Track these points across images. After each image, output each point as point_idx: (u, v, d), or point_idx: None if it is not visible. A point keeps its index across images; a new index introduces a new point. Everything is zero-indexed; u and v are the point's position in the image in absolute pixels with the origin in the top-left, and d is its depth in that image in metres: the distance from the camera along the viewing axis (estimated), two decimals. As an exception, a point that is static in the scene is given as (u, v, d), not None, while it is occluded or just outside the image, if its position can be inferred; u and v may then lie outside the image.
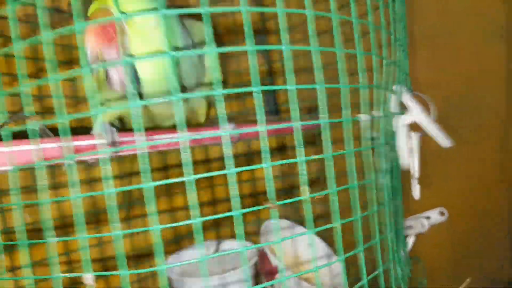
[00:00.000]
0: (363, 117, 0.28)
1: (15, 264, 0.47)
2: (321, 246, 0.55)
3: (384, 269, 0.33)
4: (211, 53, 0.25)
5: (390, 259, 0.34)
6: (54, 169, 0.49)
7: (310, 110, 0.47)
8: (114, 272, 0.24)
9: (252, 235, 0.62)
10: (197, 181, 0.24)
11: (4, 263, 0.43)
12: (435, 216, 0.44)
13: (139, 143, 0.24)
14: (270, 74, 0.72)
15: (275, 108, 0.72)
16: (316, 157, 0.29)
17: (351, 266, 0.35)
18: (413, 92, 0.38)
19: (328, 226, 0.29)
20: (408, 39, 0.42)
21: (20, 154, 0.26)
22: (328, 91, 0.27)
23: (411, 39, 0.44)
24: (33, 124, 0.26)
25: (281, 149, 0.73)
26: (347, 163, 0.30)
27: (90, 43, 0.29)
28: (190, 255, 0.56)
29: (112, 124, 0.33)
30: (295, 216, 0.60)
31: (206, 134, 0.29)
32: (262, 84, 0.25)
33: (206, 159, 0.67)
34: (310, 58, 0.28)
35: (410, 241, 0.44)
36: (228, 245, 0.58)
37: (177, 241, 0.61)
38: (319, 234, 0.56)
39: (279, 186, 0.69)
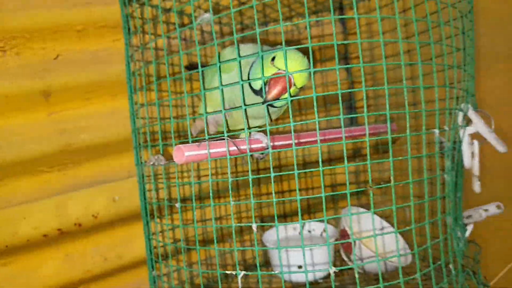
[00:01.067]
0: (436, 131, 0.40)
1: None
2: (380, 222, 0.68)
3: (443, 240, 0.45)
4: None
5: (448, 233, 0.45)
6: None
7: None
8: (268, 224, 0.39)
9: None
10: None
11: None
12: (492, 209, 0.53)
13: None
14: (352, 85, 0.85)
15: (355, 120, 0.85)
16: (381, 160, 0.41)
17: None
18: (477, 108, 0.48)
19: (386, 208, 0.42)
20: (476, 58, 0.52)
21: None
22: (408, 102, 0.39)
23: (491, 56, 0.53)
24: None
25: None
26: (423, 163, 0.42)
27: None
28: (281, 232, 0.71)
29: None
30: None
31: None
32: (345, 96, 0.38)
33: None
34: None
35: (469, 228, 0.54)
36: (315, 225, 0.72)
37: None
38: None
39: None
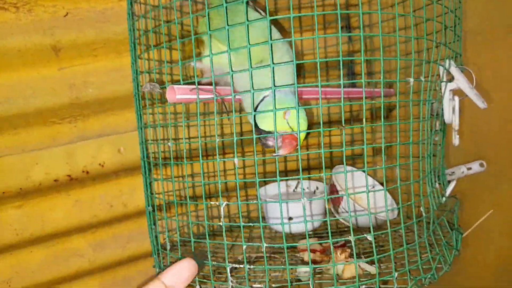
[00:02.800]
0: (411, 80, 0.43)
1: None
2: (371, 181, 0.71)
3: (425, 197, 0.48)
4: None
5: (429, 191, 0.49)
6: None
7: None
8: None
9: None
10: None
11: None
12: (476, 167, 0.56)
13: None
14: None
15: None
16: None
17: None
18: (461, 65, 0.50)
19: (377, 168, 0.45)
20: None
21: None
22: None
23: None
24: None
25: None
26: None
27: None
28: (274, 188, 0.75)
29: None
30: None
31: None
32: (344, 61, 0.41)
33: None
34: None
35: (452, 184, 0.57)
36: (307, 183, 0.76)
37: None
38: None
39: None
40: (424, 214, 0.45)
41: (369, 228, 0.63)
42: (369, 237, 0.42)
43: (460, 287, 1.20)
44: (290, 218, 0.65)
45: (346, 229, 0.70)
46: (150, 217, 0.56)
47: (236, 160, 0.42)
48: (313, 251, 0.60)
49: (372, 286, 0.44)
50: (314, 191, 0.75)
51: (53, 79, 0.66)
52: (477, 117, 0.68)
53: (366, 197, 0.42)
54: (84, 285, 0.72)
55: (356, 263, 0.43)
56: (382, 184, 0.71)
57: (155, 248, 0.55)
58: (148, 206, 0.55)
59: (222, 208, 0.43)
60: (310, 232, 0.68)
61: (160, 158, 0.51)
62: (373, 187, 0.71)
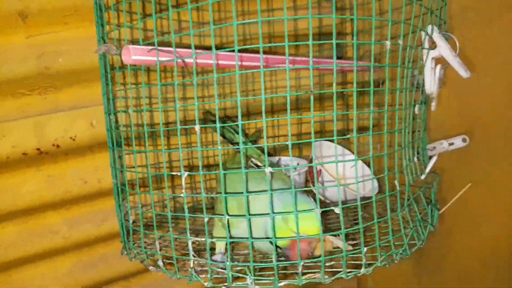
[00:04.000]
0: (387, 43, 0.40)
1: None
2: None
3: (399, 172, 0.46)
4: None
5: (406, 164, 0.47)
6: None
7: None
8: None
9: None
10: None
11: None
12: (458, 142, 0.54)
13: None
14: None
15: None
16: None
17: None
18: (445, 32, 0.47)
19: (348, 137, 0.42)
20: None
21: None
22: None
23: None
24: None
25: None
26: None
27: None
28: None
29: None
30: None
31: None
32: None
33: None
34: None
35: (433, 159, 0.55)
36: (287, 160, 0.74)
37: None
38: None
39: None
40: (398, 187, 0.43)
41: (346, 202, 0.62)
42: (337, 210, 0.40)
43: (447, 274, 1.21)
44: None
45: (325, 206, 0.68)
46: (118, 193, 0.53)
47: (197, 127, 0.39)
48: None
49: (340, 261, 0.42)
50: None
51: (21, 48, 0.62)
52: (462, 91, 0.66)
53: (340, 170, 0.40)
54: (59, 262, 0.70)
55: (322, 237, 0.41)
56: (363, 160, 0.69)
57: (124, 229, 0.53)
58: (115, 180, 0.53)
59: (201, 181, 0.40)
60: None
61: (133, 130, 0.48)
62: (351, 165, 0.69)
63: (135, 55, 0.41)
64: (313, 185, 0.65)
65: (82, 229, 0.70)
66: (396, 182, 0.44)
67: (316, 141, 0.62)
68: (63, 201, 0.68)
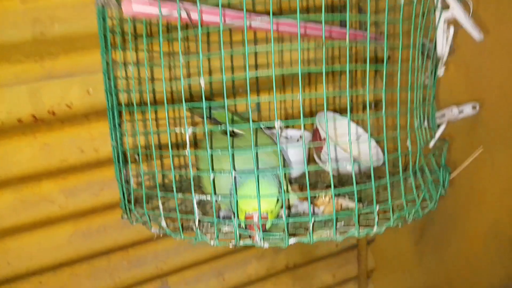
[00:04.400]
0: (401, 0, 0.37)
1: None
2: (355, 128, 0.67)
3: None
4: None
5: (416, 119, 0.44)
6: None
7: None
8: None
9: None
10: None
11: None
12: (468, 109, 0.52)
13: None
14: None
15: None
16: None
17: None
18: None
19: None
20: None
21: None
22: None
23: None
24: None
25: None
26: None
27: None
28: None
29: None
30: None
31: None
32: None
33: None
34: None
35: (442, 127, 0.53)
36: (291, 132, 0.72)
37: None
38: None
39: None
40: (409, 147, 0.41)
41: (352, 175, 0.61)
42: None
43: (448, 253, 1.20)
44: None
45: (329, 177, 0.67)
46: (118, 156, 0.51)
47: (202, 80, 0.37)
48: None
49: (351, 222, 0.41)
50: (298, 139, 0.71)
51: (16, 13, 0.60)
52: (472, 57, 0.62)
53: (350, 143, 0.38)
54: (57, 232, 0.70)
55: (334, 199, 0.39)
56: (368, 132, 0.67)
57: (124, 192, 0.51)
58: (114, 142, 0.51)
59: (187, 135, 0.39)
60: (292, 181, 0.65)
61: (134, 95, 0.46)
62: (358, 135, 0.67)
63: (136, 3, 0.38)
64: (320, 159, 0.63)
65: (79, 199, 0.69)
66: (408, 142, 0.42)
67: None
68: (59, 170, 0.67)
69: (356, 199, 0.39)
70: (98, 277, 0.75)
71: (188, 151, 0.40)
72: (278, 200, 0.41)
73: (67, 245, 0.71)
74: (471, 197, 1.15)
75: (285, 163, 0.45)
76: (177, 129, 0.42)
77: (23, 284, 0.70)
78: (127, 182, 0.50)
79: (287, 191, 0.41)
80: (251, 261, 0.91)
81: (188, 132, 0.39)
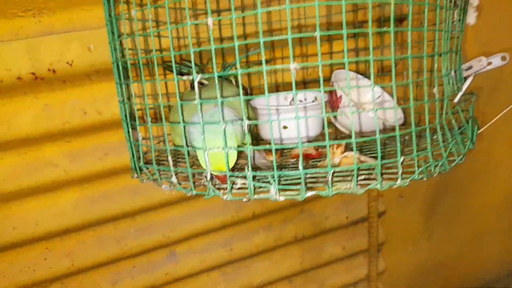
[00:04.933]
0: None
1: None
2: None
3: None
4: None
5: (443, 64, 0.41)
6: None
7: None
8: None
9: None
10: None
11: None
12: (497, 61, 0.48)
13: None
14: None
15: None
16: None
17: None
18: None
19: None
20: None
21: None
22: None
23: None
24: None
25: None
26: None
27: None
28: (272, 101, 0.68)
29: None
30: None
31: None
32: None
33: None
34: None
35: (469, 80, 0.49)
36: (306, 95, 0.69)
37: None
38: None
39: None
40: (437, 95, 0.38)
41: (371, 132, 0.58)
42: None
43: (460, 229, 1.18)
44: (285, 127, 0.59)
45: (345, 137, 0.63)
46: (124, 111, 0.48)
47: (209, 20, 0.34)
48: (307, 156, 0.54)
49: (371, 176, 0.38)
50: (313, 101, 0.68)
51: (11, -37, 0.57)
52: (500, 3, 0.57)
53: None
54: (62, 197, 0.68)
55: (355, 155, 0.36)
56: (390, 95, 0.63)
57: (134, 151, 0.49)
58: (120, 97, 0.48)
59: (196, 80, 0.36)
60: (306, 142, 0.62)
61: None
62: (380, 96, 0.64)
63: None
64: (336, 121, 0.60)
65: (83, 163, 0.67)
66: (435, 89, 0.38)
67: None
68: (62, 133, 0.65)
69: (378, 148, 0.36)
70: (105, 244, 0.74)
71: (197, 100, 0.37)
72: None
73: (72, 211, 0.69)
74: (485, 168, 1.12)
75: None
76: (185, 77, 0.39)
77: (29, 249, 0.69)
78: (136, 139, 0.47)
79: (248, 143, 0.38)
80: (259, 232, 0.89)
81: (196, 79, 0.36)
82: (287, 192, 0.37)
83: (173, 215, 0.78)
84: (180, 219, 0.79)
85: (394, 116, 0.45)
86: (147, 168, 0.46)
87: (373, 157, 0.47)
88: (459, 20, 0.48)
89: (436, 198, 1.11)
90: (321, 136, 0.61)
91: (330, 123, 0.65)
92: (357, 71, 0.74)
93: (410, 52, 0.35)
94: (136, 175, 0.49)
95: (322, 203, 0.93)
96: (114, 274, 0.76)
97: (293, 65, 0.34)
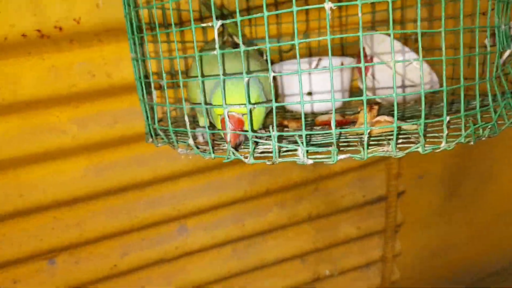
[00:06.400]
0: None
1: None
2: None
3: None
4: None
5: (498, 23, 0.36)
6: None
7: None
8: None
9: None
10: None
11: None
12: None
13: None
14: None
15: None
16: None
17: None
18: None
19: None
20: None
21: None
22: None
23: None
24: None
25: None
26: None
27: None
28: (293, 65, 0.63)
29: None
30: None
31: None
32: None
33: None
34: None
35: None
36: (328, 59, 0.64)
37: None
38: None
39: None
40: (488, 47, 0.33)
41: (400, 103, 0.53)
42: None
43: (481, 213, 1.13)
44: (309, 93, 0.54)
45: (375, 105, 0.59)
46: (138, 67, 0.45)
47: None
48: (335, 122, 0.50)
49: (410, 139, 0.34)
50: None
51: None
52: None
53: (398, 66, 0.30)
54: (71, 164, 0.66)
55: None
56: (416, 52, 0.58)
57: (148, 113, 0.45)
58: (134, 54, 0.44)
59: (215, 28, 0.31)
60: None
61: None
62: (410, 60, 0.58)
63: None
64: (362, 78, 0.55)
65: (92, 130, 0.64)
66: (486, 40, 0.33)
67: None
68: (70, 97, 0.61)
69: (423, 104, 0.31)
70: (114, 215, 0.72)
71: (217, 49, 0.33)
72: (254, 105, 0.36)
73: (81, 179, 0.67)
74: (509, 151, 1.07)
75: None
76: (204, 24, 0.34)
77: (36, 218, 0.67)
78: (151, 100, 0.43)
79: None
80: (272, 209, 0.86)
81: (216, 25, 0.32)
82: (317, 155, 0.33)
83: (184, 187, 0.75)
84: (191, 192, 0.76)
85: (420, 74, 0.41)
86: (163, 130, 0.43)
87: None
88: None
89: (456, 181, 1.06)
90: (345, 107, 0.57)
91: (354, 91, 0.60)
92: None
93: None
94: (150, 139, 0.45)
95: (338, 181, 0.89)
96: (123, 246, 0.74)
97: (328, 4, 0.29)
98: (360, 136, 0.38)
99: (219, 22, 0.32)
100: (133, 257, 0.76)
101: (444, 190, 1.06)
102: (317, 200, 0.89)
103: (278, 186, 0.83)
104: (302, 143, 0.32)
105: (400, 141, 0.36)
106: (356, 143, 0.35)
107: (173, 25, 0.35)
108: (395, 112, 0.31)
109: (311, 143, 0.39)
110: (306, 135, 0.32)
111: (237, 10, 0.31)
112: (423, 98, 0.31)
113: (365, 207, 0.94)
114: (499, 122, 0.36)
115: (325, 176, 0.87)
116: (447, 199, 1.07)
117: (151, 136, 0.45)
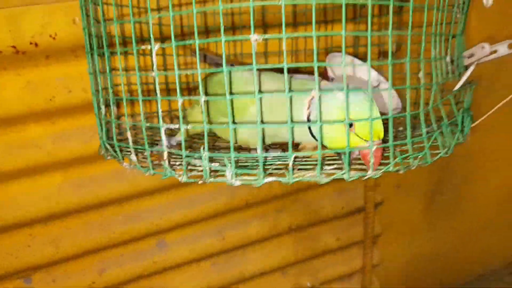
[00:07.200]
0: None
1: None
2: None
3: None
4: None
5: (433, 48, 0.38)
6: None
7: None
8: None
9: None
10: None
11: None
12: (502, 49, 0.45)
13: None
14: None
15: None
16: None
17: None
18: None
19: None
20: None
21: None
22: None
23: None
24: None
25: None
26: None
27: None
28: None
29: None
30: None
31: None
32: None
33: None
34: None
35: (470, 69, 0.46)
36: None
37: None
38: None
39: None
40: (422, 80, 0.35)
41: None
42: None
43: (461, 220, 1.16)
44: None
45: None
46: (96, 78, 0.45)
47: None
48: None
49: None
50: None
51: None
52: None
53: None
54: (46, 180, 0.65)
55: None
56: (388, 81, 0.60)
57: (103, 126, 0.45)
58: (90, 67, 0.45)
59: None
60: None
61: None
62: (378, 83, 0.61)
63: None
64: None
65: (68, 145, 0.64)
66: (420, 74, 0.35)
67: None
68: (46, 112, 0.61)
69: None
70: (91, 231, 0.71)
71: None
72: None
73: (57, 195, 0.66)
74: (487, 158, 1.10)
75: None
76: (143, 46, 0.35)
77: (12, 235, 0.66)
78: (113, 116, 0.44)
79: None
80: (253, 221, 0.86)
81: (154, 48, 0.33)
82: (245, 177, 0.34)
83: (163, 202, 0.75)
84: (170, 207, 0.76)
85: (389, 100, 0.43)
86: (111, 145, 0.43)
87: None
88: (463, 2, 0.45)
89: (436, 189, 1.09)
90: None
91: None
92: (356, 55, 0.71)
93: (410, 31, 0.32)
94: (103, 151, 0.46)
95: (318, 193, 0.90)
96: (101, 262, 0.73)
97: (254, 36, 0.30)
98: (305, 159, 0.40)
99: (157, 45, 0.33)
100: (112, 273, 0.74)
101: (423, 199, 1.08)
102: (297, 211, 0.90)
103: (258, 198, 0.84)
104: (229, 165, 0.33)
105: (334, 166, 0.37)
106: (294, 167, 0.36)
107: (134, 42, 0.36)
108: (319, 141, 0.33)
109: (245, 164, 0.40)
110: (235, 157, 0.33)
111: (222, 30, 0.31)
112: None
113: (344, 218, 0.96)
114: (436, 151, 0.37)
115: (305, 188, 0.88)
116: (427, 208, 1.09)
117: (105, 149, 0.45)
